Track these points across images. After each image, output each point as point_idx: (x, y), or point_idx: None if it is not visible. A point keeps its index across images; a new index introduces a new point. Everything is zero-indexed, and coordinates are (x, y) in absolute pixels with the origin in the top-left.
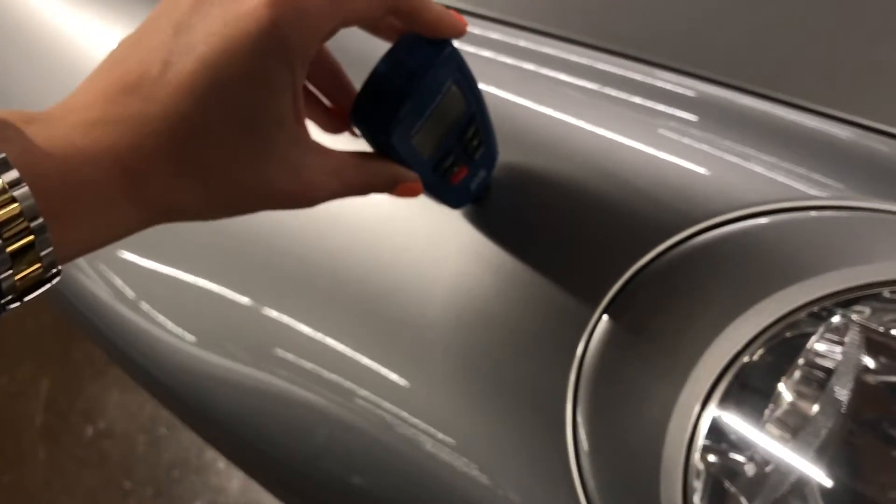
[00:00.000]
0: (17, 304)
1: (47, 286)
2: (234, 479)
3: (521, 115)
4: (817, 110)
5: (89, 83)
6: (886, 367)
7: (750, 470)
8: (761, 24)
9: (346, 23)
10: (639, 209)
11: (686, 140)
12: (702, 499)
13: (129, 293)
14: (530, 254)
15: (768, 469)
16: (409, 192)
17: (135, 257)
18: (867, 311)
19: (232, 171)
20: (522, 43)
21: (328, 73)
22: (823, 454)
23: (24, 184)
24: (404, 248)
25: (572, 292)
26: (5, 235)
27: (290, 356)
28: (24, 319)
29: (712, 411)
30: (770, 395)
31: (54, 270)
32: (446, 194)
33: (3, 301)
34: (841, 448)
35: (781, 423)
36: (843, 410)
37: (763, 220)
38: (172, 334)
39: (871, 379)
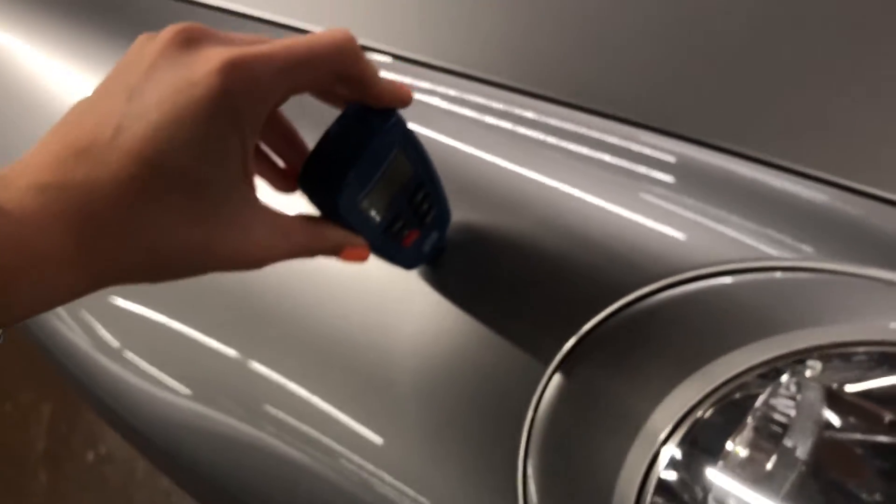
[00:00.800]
0: None
1: None
2: None
3: (477, 169)
4: (782, 166)
5: (43, 145)
6: (843, 424)
7: None
8: (717, 80)
9: (295, 91)
10: (594, 267)
11: (646, 196)
12: None
13: (113, 342)
14: (485, 313)
15: None
16: (356, 257)
17: (122, 302)
18: (818, 369)
19: (180, 234)
20: (479, 98)
21: (281, 134)
22: None
23: None
24: (374, 307)
25: (526, 351)
26: None
27: (271, 410)
28: (26, 345)
29: (661, 469)
30: (719, 454)
31: None
32: (398, 257)
33: None
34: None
35: (732, 480)
36: (798, 466)
37: (719, 280)
38: (155, 384)
39: (827, 435)
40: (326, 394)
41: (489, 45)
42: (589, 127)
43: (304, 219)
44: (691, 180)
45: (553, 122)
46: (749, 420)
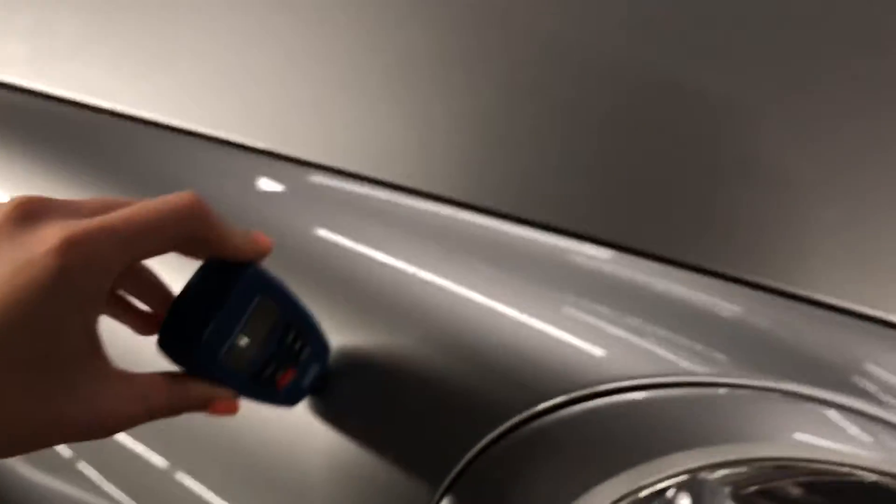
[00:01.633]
0: None
1: None
2: None
3: (367, 274)
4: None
5: None
6: None
7: None
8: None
9: (139, 259)
10: (485, 384)
11: (546, 307)
12: None
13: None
14: (371, 441)
15: None
16: (225, 410)
17: None
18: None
19: (25, 410)
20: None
21: (144, 283)
22: None
23: None
24: (275, 440)
25: (414, 476)
26: None
27: None
28: None
29: None
30: None
31: None
32: (275, 399)
33: None
34: None
35: None
36: None
37: (621, 397)
38: None
39: None
40: None
41: (385, 145)
42: (495, 231)
43: (166, 377)
44: (593, 286)
45: (453, 224)
46: None
